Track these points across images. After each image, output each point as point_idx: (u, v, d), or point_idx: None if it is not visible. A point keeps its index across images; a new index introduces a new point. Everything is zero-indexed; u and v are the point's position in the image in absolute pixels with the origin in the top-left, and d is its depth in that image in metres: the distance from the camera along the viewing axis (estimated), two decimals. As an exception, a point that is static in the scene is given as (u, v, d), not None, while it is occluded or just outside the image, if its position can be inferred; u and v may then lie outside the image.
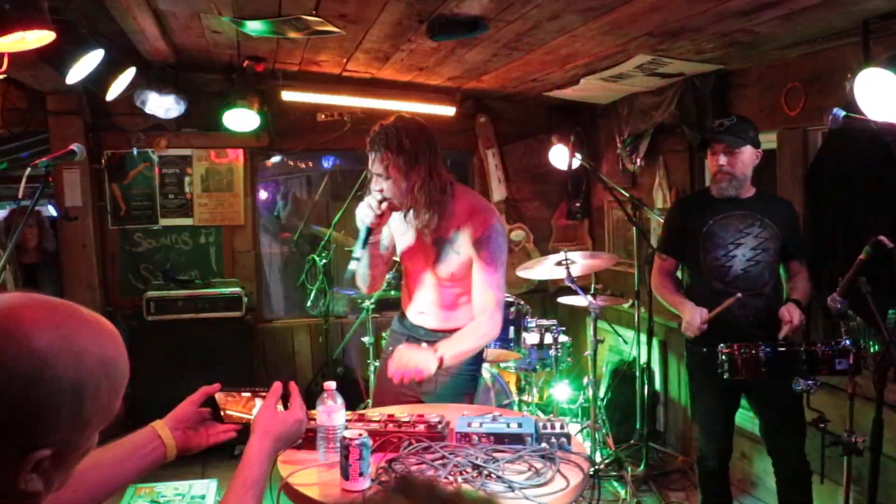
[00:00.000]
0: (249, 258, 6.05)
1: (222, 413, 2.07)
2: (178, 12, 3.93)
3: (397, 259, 3.45)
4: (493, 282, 3.12)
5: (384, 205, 3.05)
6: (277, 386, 2.00)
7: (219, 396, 2.06)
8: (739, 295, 3.40)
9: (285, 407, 1.99)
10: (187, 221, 5.92)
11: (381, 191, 3.04)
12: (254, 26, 3.92)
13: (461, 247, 3.13)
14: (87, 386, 1.15)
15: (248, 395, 2.08)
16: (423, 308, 3.32)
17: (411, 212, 3.10)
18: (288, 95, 5.66)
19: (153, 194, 5.85)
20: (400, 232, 3.28)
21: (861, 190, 3.66)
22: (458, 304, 3.27)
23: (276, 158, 7.06)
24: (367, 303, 5.29)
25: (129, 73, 4.45)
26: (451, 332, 3.19)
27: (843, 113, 2.45)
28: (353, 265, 3.16)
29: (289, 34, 4.05)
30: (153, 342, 5.35)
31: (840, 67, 3.60)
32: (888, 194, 3.50)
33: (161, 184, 5.86)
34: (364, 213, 3.06)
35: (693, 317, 3.47)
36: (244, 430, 1.99)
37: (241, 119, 5.46)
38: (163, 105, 5.26)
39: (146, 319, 5.35)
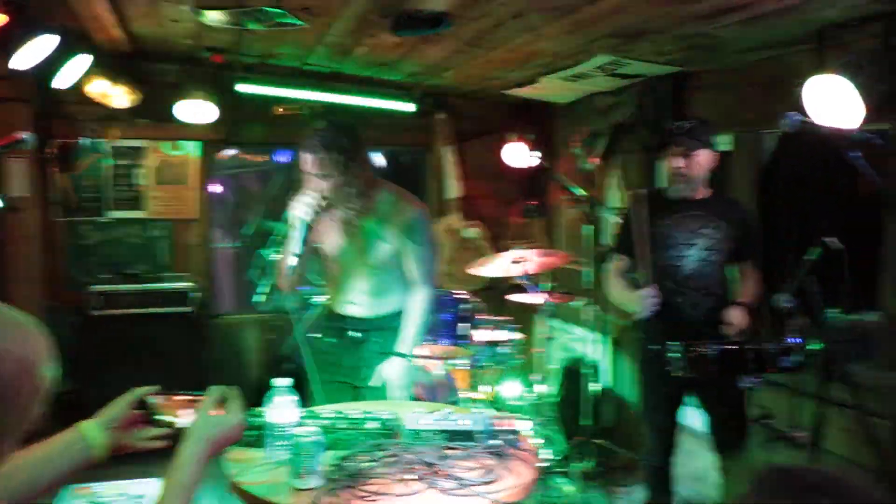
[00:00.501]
0: (201, 252, 5.95)
1: (156, 416, 1.99)
2: (136, -1, 3.85)
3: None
4: (427, 262, 3.48)
5: (324, 203, 3.24)
6: (215, 389, 1.94)
7: (152, 399, 1.99)
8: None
9: (224, 410, 1.93)
10: (139, 214, 5.79)
11: (317, 190, 3.23)
12: (214, 17, 3.86)
13: (390, 235, 3.38)
14: (6, 389, 1.11)
15: (185, 398, 2.00)
16: (353, 298, 3.51)
17: (343, 207, 3.33)
18: (244, 88, 5.56)
19: (104, 186, 5.70)
20: (325, 229, 3.42)
21: (812, 193, 3.73)
22: (386, 290, 3.51)
23: (230, 151, 6.95)
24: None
25: (83, 61, 4.34)
26: (380, 318, 3.52)
27: (799, 116, 2.48)
28: (293, 261, 3.26)
29: (250, 26, 3.98)
30: (99, 337, 5.23)
31: (795, 73, 3.64)
32: (838, 197, 3.57)
33: (112, 175, 5.72)
34: (303, 212, 3.20)
35: (644, 293, 3.53)
36: (179, 434, 1.92)
37: (198, 111, 5.35)
38: (117, 94, 5.14)
39: (92, 314, 5.22)
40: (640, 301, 3.53)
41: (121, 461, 1.91)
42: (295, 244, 3.24)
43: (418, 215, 3.46)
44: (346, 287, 3.52)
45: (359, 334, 3.54)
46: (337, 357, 3.53)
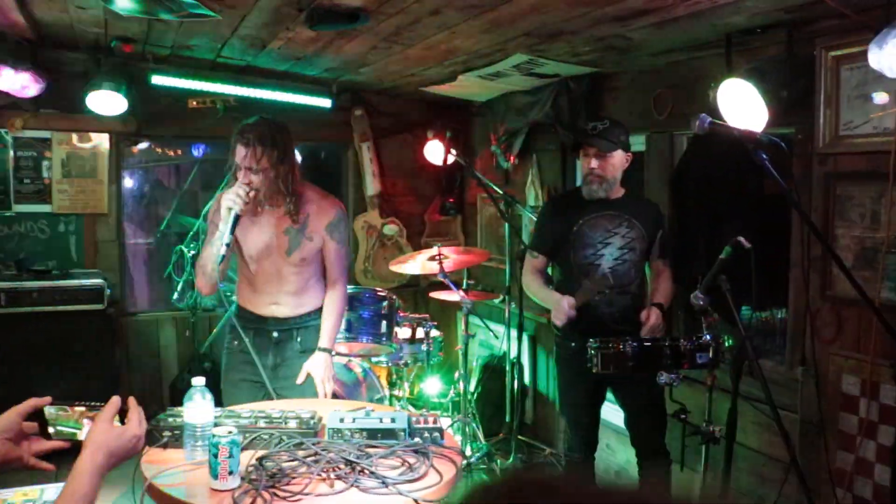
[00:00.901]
0: (113, 248, 5.77)
1: (50, 429, 1.93)
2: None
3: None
4: (345, 259, 3.61)
5: (252, 194, 3.25)
6: (115, 399, 1.90)
7: (48, 410, 1.92)
8: (602, 276, 3.56)
9: (122, 422, 1.88)
10: (45, 208, 5.57)
11: (249, 182, 3.23)
12: (122, 5, 3.73)
13: (313, 232, 3.44)
14: None
15: (83, 408, 1.95)
16: (275, 299, 3.52)
17: (270, 204, 3.39)
18: (158, 79, 5.41)
19: (6, 178, 5.46)
20: (248, 227, 3.42)
21: (723, 193, 3.86)
22: (307, 288, 3.55)
23: (143, 145, 6.77)
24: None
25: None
26: (301, 316, 3.55)
27: (709, 119, 2.57)
28: (223, 251, 3.20)
29: (161, 16, 3.88)
30: (5, 336, 5.01)
31: (705, 76, 3.79)
32: (747, 197, 3.71)
33: (15, 167, 5.49)
34: (232, 202, 3.18)
35: (560, 304, 3.55)
36: (74, 447, 1.88)
37: (107, 102, 5.17)
38: (18, 82, 4.93)
39: (-4, 312, 5.01)
40: (556, 310, 3.57)
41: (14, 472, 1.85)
42: (224, 235, 3.20)
43: (340, 214, 3.55)
44: (267, 287, 3.51)
45: (280, 334, 3.54)
46: (252, 357, 3.46)
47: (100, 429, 1.81)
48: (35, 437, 1.90)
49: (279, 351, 3.55)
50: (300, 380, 3.44)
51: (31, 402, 1.88)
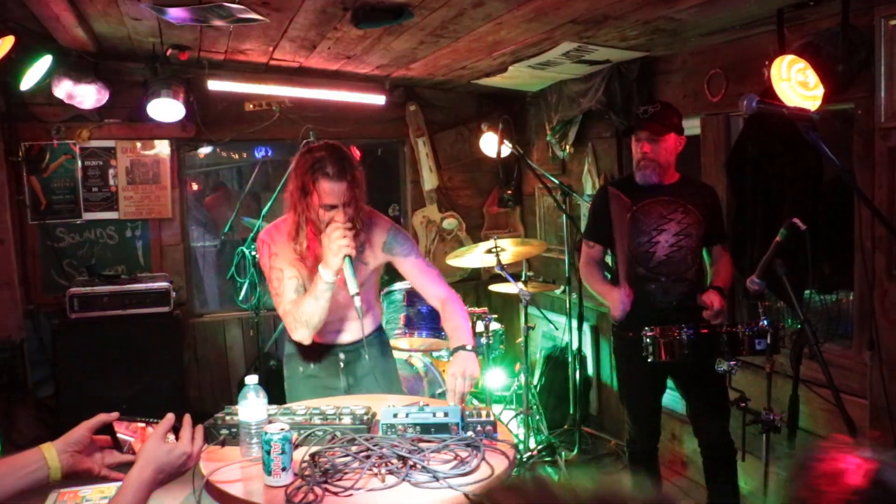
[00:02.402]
0: (178, 251, 5.92)
1: (121, 442, 2.00)
2: (93, -2, 3.82)
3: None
4: (427, 265, 3.25)
5: (354, 231, 2.94)
6: (170, 416, 1.95)
7: (117, 425, 1.99)
8: None
9: (176, 438, 1.93)
10: (112, 215, 5.75)
11: (348, 218, 2.92)
12: (174, 14, 3.82)
13: (368, 256, 3.17)
14: None
15: (143, 424, 2.02)
16: (338, 327, 3.26)
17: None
18: (214, 85, 5.53)
19: (75, 187, 5.66)
20: (308, 258, 3.08)
21: (779, 174, 3.74)
22: (369, 310, 3.31)
23: (205, 149, 6.93)
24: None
25: (45, 62, 4.31)
26: (367, 336, 3.20)
27: (756, 99, 2.49)
28: (357, 303, 2.87)
29: (211, 22, 3.96)
30: (77, 340, 5.20)
31: (758, 54, 3.68)
32: (804, 178, 3.59)
33: (84, 176, 5.68)
34: (347, 247, 2.85)
35: (615, 299, 3.51)
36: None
37: (166, 109, 5.31)
38: (83, 95, 5.10)
39: (69, 317, 5.19)
40: (613, 304, 3.53)
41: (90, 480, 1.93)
42: (352, 283, 2.87)
43: (392, 230, 3.23)
44: (330, 317, 3.11)
45: (347, 356, 3.30)
46: (324, 380, 3.30)
47: (150, 445, 1.87)
48: (109, 450, 1.96)
49: (349, 371, 3.32)
50: (452, 398, 2.88)
51: (99, 418, 1.94)
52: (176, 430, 1.94)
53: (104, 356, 5.18)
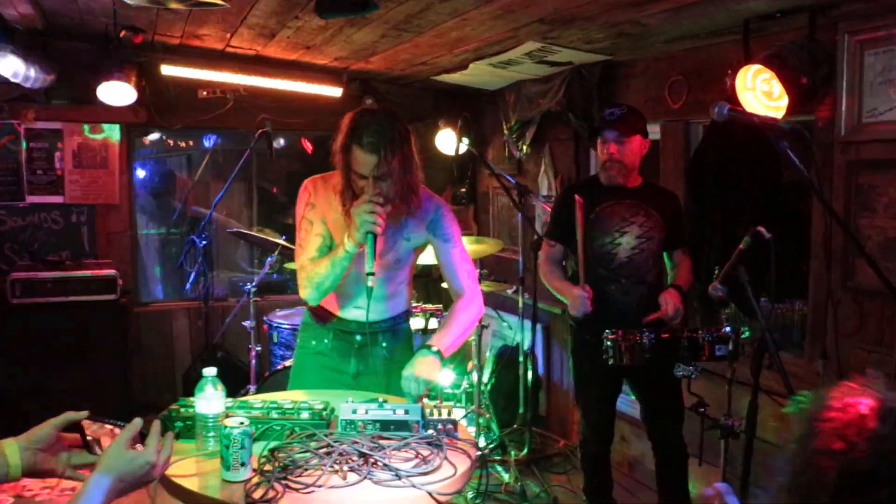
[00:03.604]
0: (125, 239, 5.79)
1: (90, 443, 1.91)
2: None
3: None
4: (461, 257, 3.07)
5: (387, 207, 2.77)
6: (137, 422, 1.85)
7: (87, 425, 1.90)
8: None
9: (143, 444, 1.84)
10: (57, 199, 5.60)
11: (379, 193, 2.74)
12: (131, -7, 3.72)
13: (412, 232, 3.00)
14: None
15: (111, 427, 1.94)
16: (360, 302, 2.99)
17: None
18: (168, 70, 5.41)
19: (19, 169, 5.49)
20: (339, 224, 2.93)
21: (739, 182, 3.80)
22: (397, 293, 3.10)
23: (154, 136, 6.77)
24: (248, 286, 5.13)
25: (-9, 39, 4.15)
26: (387, 320, 3.09)
27: (727, 107, 2.51)
28: (371, 283, 2.72)
29: (169, 4, 3.84)
30: (18, 327, 5.05)
31: (721, 63, 3.74)
32: (764, 186, 3.65)
33: (28, 158, 5.51)
34: (371, 225, 2.68)
35: (577, 297, 3.50)
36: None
37: (117, 93, 5.17)
38: (29, 74, 4.92)
39: (10, 302, 5.03)
40: (573, 301, 3.53)
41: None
42: (368, 264, 2.70)
43: (443, 209, 3.04)
44: (355, 289, 3.01)
45: (364, 338, 3.09)
46: (333, 361, 3.14)
47: (113, 451, 1.76)
48: (76, 449, 1.88)
49: (362, 357, 3.12)
50: (407, 384, 2.78)
51: (67, 416, 1.86)
52: (143, 435, 1.84)
53: (45, 344, 5.04)
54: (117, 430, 1.92)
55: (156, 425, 1.89)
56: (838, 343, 3.33)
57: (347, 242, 2.77)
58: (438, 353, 2.83)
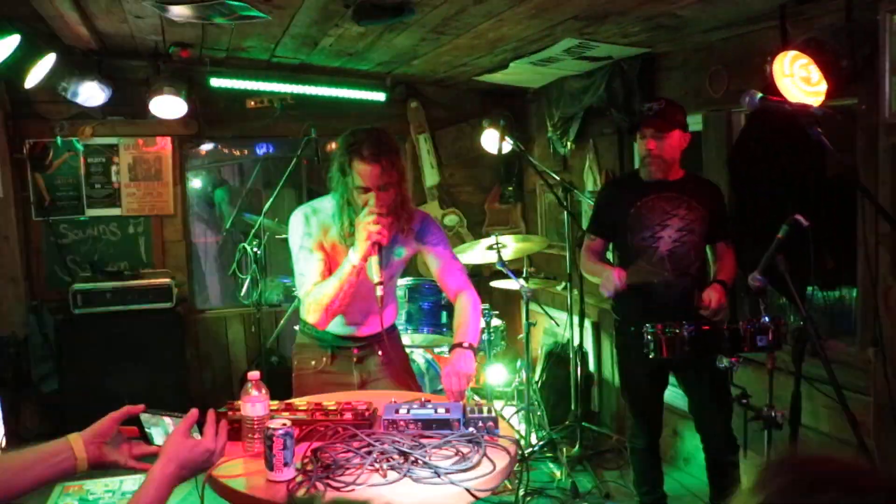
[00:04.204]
0: (180, 248, 5.94)
1: (149, 434, 2.03)
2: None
3: None
4: (451, 257, 3.20)
5: (389, 218, 2.93)
6: (194, 412, 1.97)
7: (144, 417, 2.02)
8: (648, 264, 3.51)
9: (200, 434, 1.95)
10: (115, 211, 5.78)
11: (383, 204, 2.89)
12: (177, 11, 3.83)
13: (400, 246, 3.12)
14: None
15: (169, 419, 2.04)
16: (355, 319, 3.19)
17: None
18: (216, 82, 5.55)
19: (79, 184, 5.69)
20: (340, 248, 3.05)
21: (781, 170, 3.74)
22: (388, 303, 3.16)
23: (208, 146, 6.94)
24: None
25: (49, 60, 4.31)
26: (380, 334, 3.12)
27: (758, 95, 2.49)
28: (379, 292, 2.87)
29: (213, 19, 3.96)
30: (81, 335, 5.25)
31: (760, 50, 3.68)
32: (806, 174, 3.59)
33: (87, 173, 5.71)
34: (377, 235, 2.83)
35: (610, 275, 3.52)
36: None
37: (169, 106, 5.33)
38: (86, 92, 5.10)
39: (73, 312, 5.22)
40: (606, 281, 3.54)
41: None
42: (375, 272, 2.85)
43: (426, 219, 3.20)
44: (351, 308, 3.09)
45: (361, 350, 3.24)
46: (335, 377, 3.24)
47: (174, 440, 1.88)
48: (136, 441, 1.99)
49: (363, 367, 3.25)
50: (450, 397, 2.85)
51: (125, 409, 1.97)
52: (200, 425, 1.95)
53: (107, 351, 5.22)
54: (175, 421, 2.01)
55: (210, 415, 2.01)
56: (889, 330, 3.26)
57: (352, 255, 2.88)
58: (471, 346, 2.95)
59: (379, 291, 2.86)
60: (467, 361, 2.89)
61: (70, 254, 5.70)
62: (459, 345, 2.95)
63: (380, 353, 3.24)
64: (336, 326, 3.17)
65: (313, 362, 3.27)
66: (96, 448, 1.88)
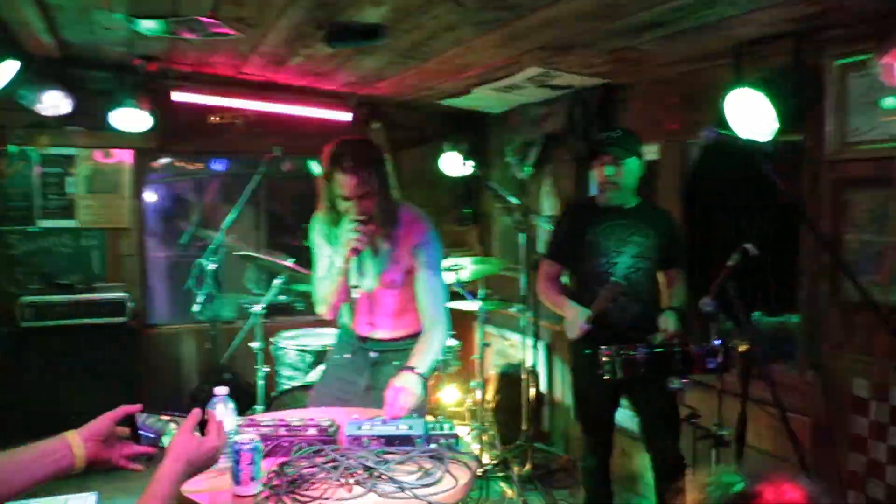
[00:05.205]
0: (135, 262, 5.88)
1: (143, 434, 2.05)
2: (66, 6, 3.81)
3: None
4: (437, 285, 3.26)
5: (370, 225, 3.04)
6: (196, 412, 2.02)
7: (139, 417, 2.05)
8: (614, 282, 3.61)
9: (202, 433, 2.00)
10: (69, 223, 5.70)
11: (363, 212, 3.01)
12: (147, 25, 3.84)
13: (400, 255, 3.21)
14: None
15: (167, 419, 2.08)
16: (372, 321, 3.36)
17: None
18: (178, 96, 5.53)
19: (31, 194, 5.60)
20: (337, 250, 3.16)
21: (736, 201, 3.90)
22: (405, 311, 3.32)
23: (164, 160, 6.89)
24: (255, 308, 5.20)
25: (11, 67, 4.26)
26: (401, 339, 3.34)
27: (715, 130, 2.62)
28: (355, 294, 3.17)
29: (184, 35, 3.98)
30: (29, 350, 5.15)
31: (715, 85, 3.82)
32: (756, 205, 3.75)
33: (41, 184, 5.62)
34: (357, 242, 2.99)
35: (574, 317, 3.62)
36: (159, 454, 2.01)
37: (131, 119, 5.28)
38: (49, 101, 5.02)
39: (20, 326, 5.13)
40: (570, 326, 3.67)
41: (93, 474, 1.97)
42: (352, 277, 3.11)
43: (430, 235, 3.25)
44: (363, 309, 3.34)
45: (378, 355, 3.39)
46: (348, 373, 3.41)
47: (181, 439, 1.93)
48: (127, 440, 2.02)
49: (374, 373, 3.36)
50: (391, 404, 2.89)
51: (123, 409, 2.00)
52: (201, 424, 2.01)
53: (56, 366, 5.14)
54: (172, 422, 2.07)
55: (212, 413, 2.08)
56: (828, 354, 3.43)
57: (336, 259, 3.10)
58: (422, 374, 3.00)
59: (354, 294, 3.13)
60: (412, 384, 2.94)
61: (19, 265, 5.57)
62: (411, 368, 3.00)
63: (395, 363, 3.24)
64: (356, 325, 3.41)
65: (336, 355, 3.51)
66: (93, 445, 1.91)
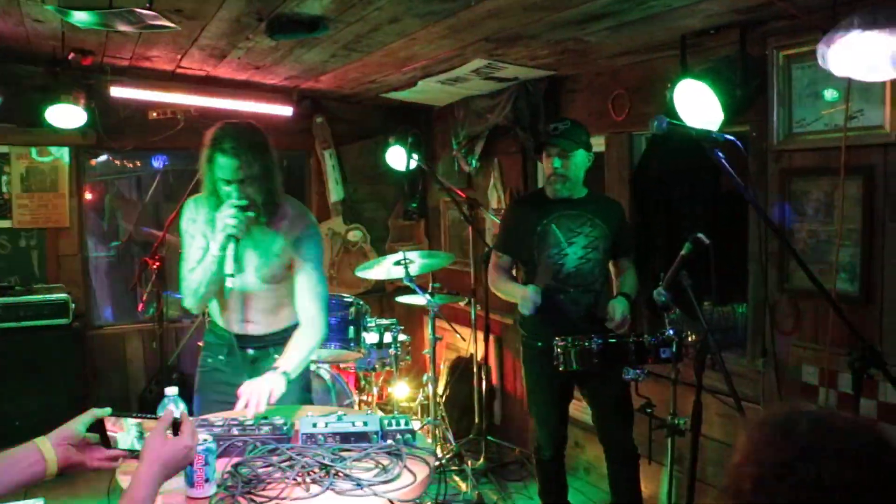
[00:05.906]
0: (75, 262, 5.73)
1: (111, 438, 2.02)
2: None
3: None
4: (317, 281, 3.15)
5: (251, 213, 2.96)
6: (169, 412, 2.00)
7: (108, 420, 2.02)
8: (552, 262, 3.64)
9: (175, 433, 1.97)
10: (5, 224, 5.52)
11: (245, 197, 2.93)
12: (80, 17, 3.71)
13: (280, 248, 3.13)
14: None
15: (137, 420, 2.06)
16: (248, 316, 3.23)
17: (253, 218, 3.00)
18: (117, 91, 5.40)
19: (-37, 194, 5.42)
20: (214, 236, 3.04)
21: (681, 190, 3.95)
22: (282, 306, 3.23)
23: (102, 157, 6.72)
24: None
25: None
26: (277, 333, 3.24)
27: (667, 120, 2.64)
28: (230, 283, 2.96)
29: (119, 28, 3.86)
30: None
31: (661, 77, 3.89)
32: (705, 194, 3.80)
33: (-26, 183, 5.44)
34: (233, 227, 2.90)
35: (526, 293, 3.60)
36: (130, 457, 2.00)
37: (66, 115, 5.15)
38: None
39: (-41, 330, 4.96)
40: (522, 299, 3.63)
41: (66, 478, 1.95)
42: (228, 265, 2.93)
43: (312, 230, 3.19)
44: (237, 305, 3.20)
45: (256, 352, 3.27)
46: (228, 376, 3.24)
47: (155, 442, 1.90)
48: (96, 445, 1.99)
49: (255, 371, 3.10)
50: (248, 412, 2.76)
51: (91, 412, 1.98)
52: (174, 425, 1.99)
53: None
54: (143, 424, 2.05)
55: (185, 414, 2.07)
56: (777, 341, 3.49)
57: (212, 245, 2.97)
58: (286, 373, 2.90)
59: (229, 284, 2.96)
60: (275, 384, 2.83)
61: (-46, 268, 5.41)
62: (274, 369, 2.89)
63: (275, 356, 3.11)
64: (227, 323, 3.26)
65: (210, 360, 3.33)
66: (63, 450, 1.88)
